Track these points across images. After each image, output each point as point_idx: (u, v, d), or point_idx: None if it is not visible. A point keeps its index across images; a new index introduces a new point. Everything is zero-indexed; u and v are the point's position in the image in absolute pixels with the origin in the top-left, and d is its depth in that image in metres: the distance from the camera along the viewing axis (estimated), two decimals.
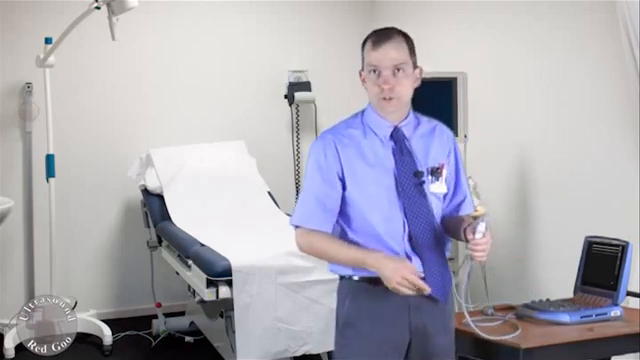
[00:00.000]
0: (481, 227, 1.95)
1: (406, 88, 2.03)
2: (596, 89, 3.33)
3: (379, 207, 2.04)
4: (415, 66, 2.06)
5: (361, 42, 2.09)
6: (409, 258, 2.03)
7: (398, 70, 2.00)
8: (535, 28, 3.68)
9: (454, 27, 4.26)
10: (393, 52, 2.00)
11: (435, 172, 2.09)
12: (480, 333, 2.24)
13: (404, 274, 1.91)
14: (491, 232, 1.98)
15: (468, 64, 3.83)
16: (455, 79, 3.64)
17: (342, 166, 2.05)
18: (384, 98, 2.01)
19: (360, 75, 2.10)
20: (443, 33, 4.30)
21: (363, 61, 2.07)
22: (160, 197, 4.29)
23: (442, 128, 2.18)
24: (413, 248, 2.05)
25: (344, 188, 2.06)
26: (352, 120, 2.13)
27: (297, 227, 2.11)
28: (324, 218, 2.06)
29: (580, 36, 3.40)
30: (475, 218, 2.12)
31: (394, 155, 2.06)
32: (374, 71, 2.01)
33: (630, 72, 2.93)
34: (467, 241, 2.03)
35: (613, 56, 3.12)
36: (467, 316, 2.16)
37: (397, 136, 2.08)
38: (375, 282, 2.03)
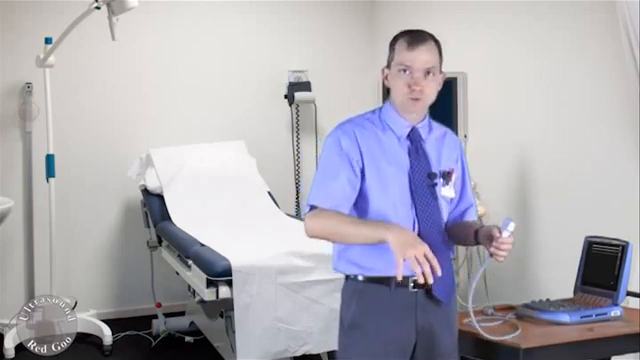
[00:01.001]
0: (511, 226, 1.95)
1: (433, 91, 2.07)
2: (596, 89, 3.33)
3: (393, 201, 2.04)
4: (440, 70, 2.09)
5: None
6: None
7: (428, 73, 2.03)
8: (535, 28, 3.68)
9: (454, 27, 4.25)
10: (426, 55, 2.02)
11: (446, 176, 2.10)
12: (483, 333, 2.24)
13: (424, 250, 1.84)
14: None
15: (468, 64, 3.84)
16: (455, 79, 3.65)
17: (362, 155, 2.04)
18: (412, 98, 2.03)
19: (383, 72, 2.11)
20: (443, 33, 4.24)
21: (391, 60, 2.07)
22: (160, 197, 4.29)
23: (451, 135, 2.21)
24: None
25: (362, 178, 2.04)
26: (369, 115, 2.14)
27: (311, 209, 2.04)
28: (344, 202, 2.03)
29: (580, 36, 3.40)
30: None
31: (409, 155, 2.07)
32: (404, 71, 2.03)
33: (630, 72, 2.93)
34: (477, 243, 2.05)
35: (613, 56, 3.12)
36: (472, 316, 2.16)
37: (414, 136, 2.09)
38: (382, 282, 2.04)
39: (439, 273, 1.86)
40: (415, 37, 2.04)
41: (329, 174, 2.04)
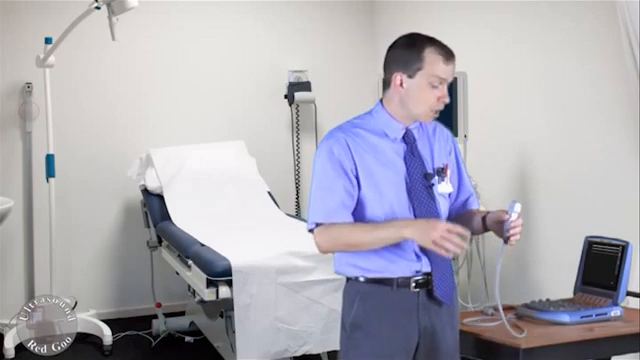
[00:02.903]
0: (517, 207, 1.98)
1: None
2: (596, 89, 3.33)
3: (390, 206, 2.03)
4: None
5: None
6: (418, 257, 2.04)
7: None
8: (535, 28, 3.68)
9: (454, 27, 4.25)
10: (453, 68, 2.04)
11: (441, 172, 2.09)
12: (513, 333, 2.25)
13: (445, 227, 1.87)
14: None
15: (468, 64, 3.83)
16: (455, 79, 3.64)
17: (355, 163, 2.03)
18: (436, 110, 2.03)
19: (395, 77, 2.03)
20: (444, 33, 4.27)
21: (418, 68, 1.99)
22: (160, 197, 4.29)
23: (441, 128, 2.19)
24: (422, 248, 2.04)
25: (358, 186, 2.03)
26: (361, 119, 2.11)
27: (316, 226, 2.04)
28: (345, 212, 2.02)
29: (580, 36, 3.40)
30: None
31: (405, 157, 2.06)
32: (437, 83, 2.00)
33: (630, 72, 2.93)
34: (486, 230, 2.07)
35: (613, 56, 3.12)
36: (502, 312, 2.19)
37: (408, 138, 2.08)
38: (383, 283, 2.03)
39: (469, 234, 1.89)
40: (448, 50, 2.03)
41: (326, 187, 2.03)
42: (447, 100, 2.02)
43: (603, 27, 3.22)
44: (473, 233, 2.13)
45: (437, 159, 2.11)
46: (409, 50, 2.02)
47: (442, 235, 1.85)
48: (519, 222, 1.99)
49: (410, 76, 2.01)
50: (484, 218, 2.07)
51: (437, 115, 2.06)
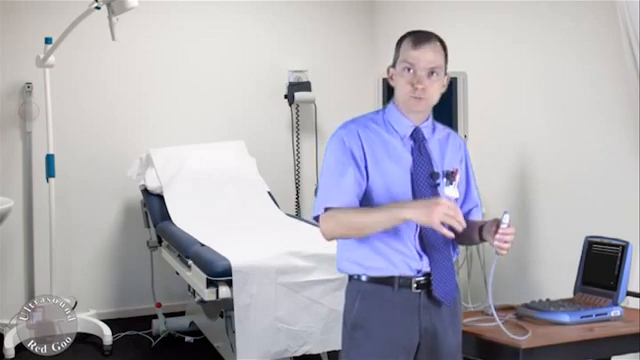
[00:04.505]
0: (505, 219, 1.98)
1: (436, 91, 2.06)
2: (596, 89, 3.33)
3: (395, 200, 2.03)
4: (445, 72, 2.08)
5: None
6: (419, 256, 2.05)
7: (432, 73, 2.03)
8: (535, 28, 3.68)
9: (454, 27, 4.25)
10: (431, 54, 2.03)
11: (449, 176, 2.10)
12: (512, 336, 2.26)
13: (446, 203, 1.87)
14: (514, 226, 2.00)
15: (468, 64, 3.84)
16: (455, 79, 3.64)
17: (365, 154, 2.05)
18: (414, 97, 2.03)
19: (388, 72, 2.12)
20: (443, 33, 4.26)
21: (397, 58, 2.08)
22: (160, 197, 4.29)
23: (455, 136, 2.21)
24: (423, 247, 2.05)
25: (368, 178, 2.05)
26: (373, 115, 2.15)
27: (324, 211, 2.03)
28: (354, 198, 2.02)
29: (580, 36, 3.40)
30: None
31: (412, 154, 2.08)
32: (408, 69, 2.03)
33: (630, 72, 2.93)
34: (482, 240, 2.07)
35: (613, 56, 3.12)
36: (495, 313, 2.19)
37: (417, 136, 2.10)
38: (385, 282, 2.04)
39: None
40: (420, 36, 2.05)
41: (337, 172, 2.04)
42: (420, 86, 2.01)
43: (603, 27, 3.22)
44: (472, 243, 2.13)
45: (447, 163, 2.12)
46: (396, 45, 2.11)
47: (445, 212, 1.85)
48: (509, 231, 1.98)
49: (394, 67, 2.10)
50: (480, 228, 2.07)
51: (419, 102, 2.03)
